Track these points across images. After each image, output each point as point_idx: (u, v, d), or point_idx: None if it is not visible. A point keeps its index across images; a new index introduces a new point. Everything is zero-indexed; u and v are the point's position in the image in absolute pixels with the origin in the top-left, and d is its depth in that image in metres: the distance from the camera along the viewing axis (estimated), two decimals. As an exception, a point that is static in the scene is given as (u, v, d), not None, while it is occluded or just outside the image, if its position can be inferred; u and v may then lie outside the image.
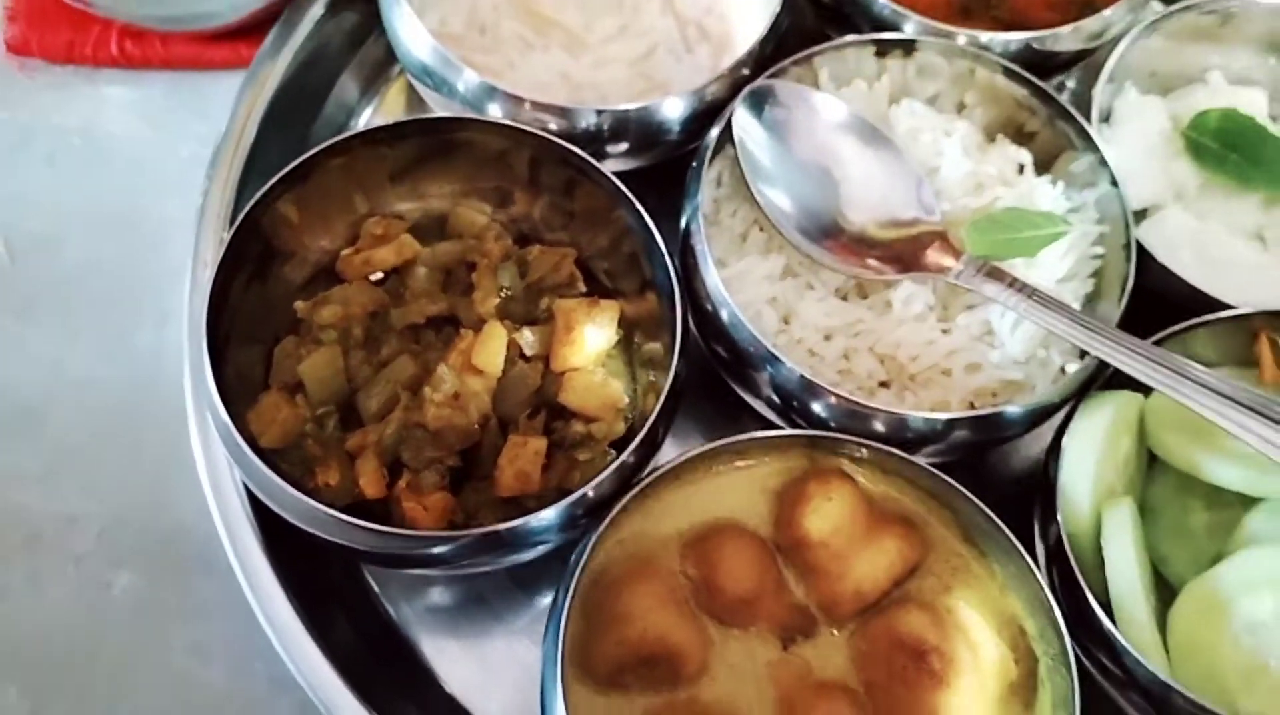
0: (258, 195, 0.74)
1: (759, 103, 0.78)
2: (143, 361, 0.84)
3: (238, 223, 0.72)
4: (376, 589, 0.80)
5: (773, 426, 0.78)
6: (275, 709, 0.75)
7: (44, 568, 0.78)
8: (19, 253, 0.87)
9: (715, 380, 0.81)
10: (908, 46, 0.83)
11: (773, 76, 0.79)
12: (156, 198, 0.89)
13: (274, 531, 0.74)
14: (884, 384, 0.78)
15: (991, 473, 0.74)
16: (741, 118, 0.77)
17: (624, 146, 0.82)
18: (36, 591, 0.78)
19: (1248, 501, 0.73)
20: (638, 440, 0.70)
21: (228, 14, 0.90)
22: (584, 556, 0.67)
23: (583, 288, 0.81)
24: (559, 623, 0.65)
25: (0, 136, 0.90)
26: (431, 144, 0.80)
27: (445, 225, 0.84)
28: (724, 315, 0.74)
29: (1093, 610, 0.67)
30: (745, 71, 0.80)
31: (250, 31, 0.91)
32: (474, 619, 0.79)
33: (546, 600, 0.80)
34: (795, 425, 0.77)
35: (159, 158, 0.90)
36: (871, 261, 0.76)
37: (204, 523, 0.79)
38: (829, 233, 0.76)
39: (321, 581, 0.75)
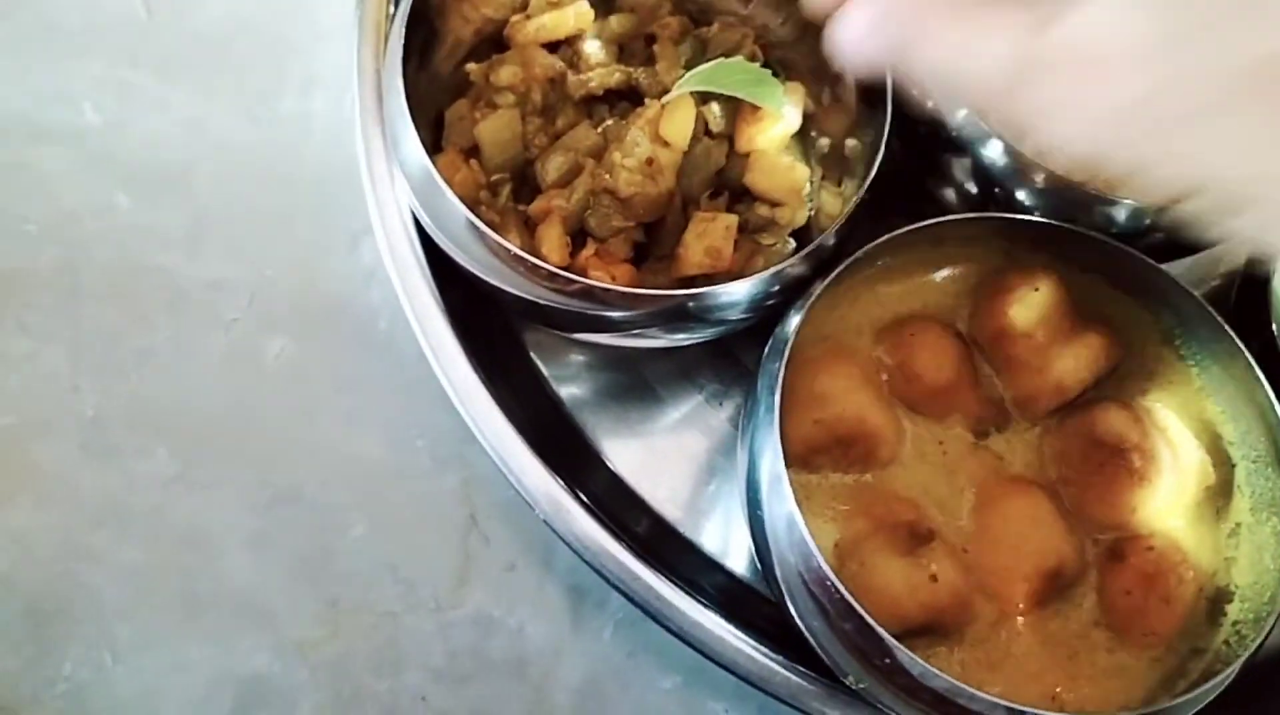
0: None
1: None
2: (288, 126, 0.80)
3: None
4: (545, 371, 0.77)
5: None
6: (440, 485, 0.73)
7: (192, 332, 0.75)
8: (155, 8, 0.81)
9: (901, 178, 0.78)
10: None
11: None
12: (298, -42, 0.84)
13: (449, 305, 0.71)
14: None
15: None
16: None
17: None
18: (184, 356, 0.74)
19: None
20: (839, 221, 0.67)
21: None
22: (791, 334, 0.64)
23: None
24: (772, 397, 0.62)
25: (133, -115, 0.84)
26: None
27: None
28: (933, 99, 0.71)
29: (1307, 409, 0.65)
30: None
31: None
32: (640, 405, 0.77)
33: (709, 391, 0.77)
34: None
35: (301, -82, 0.85)
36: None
37: (360, 292, 0.77)
38: None
39: (493, 362, 0.72)
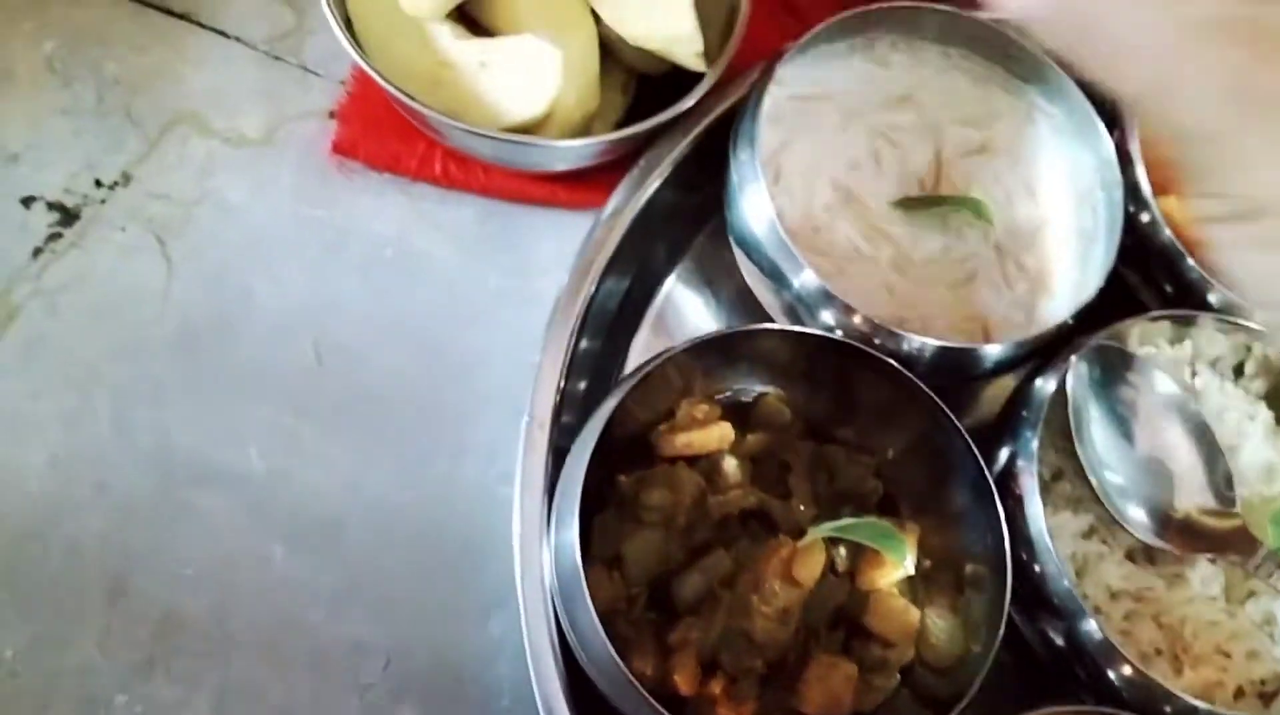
0: (612, 402, 0.77)
1: (1093, 363, 0.81)
2: (436, 490, 0.85)
3: (603, 423, 0.75)
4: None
5: (1043, 668, 0.82)
6: None
7: (330, 693, 0.79)
8: (327, 357, 0.88)
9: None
10: (1217, 322, 0.86)
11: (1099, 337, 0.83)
12: (461, 325, 0.90)
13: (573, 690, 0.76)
14: (1157, 652, 0.81)
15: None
16: (1078, 377, 0.80)
17: (927, 369, 0.85)
18: (321, 719, 0.79)
19: None
20: (965, 701, 0.73)
21: (558, 164, 0.92)
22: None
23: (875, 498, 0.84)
24: None
25: (317, 235, 0.91)
26: (760, 347, 0.84)
27: (748, 412, 0.86)
28: (1038, 562, 0.77)
29: None
30: (1069, 321, 0.84)
31: (566, 176, 0.94)
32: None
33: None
34: (1068, 672, 0.80)
35: (467, 284, 0.92)
36: (1193, 545, 0.79)
37: (488, 666, 0.82)
38: (1158, 516, 0.80)
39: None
